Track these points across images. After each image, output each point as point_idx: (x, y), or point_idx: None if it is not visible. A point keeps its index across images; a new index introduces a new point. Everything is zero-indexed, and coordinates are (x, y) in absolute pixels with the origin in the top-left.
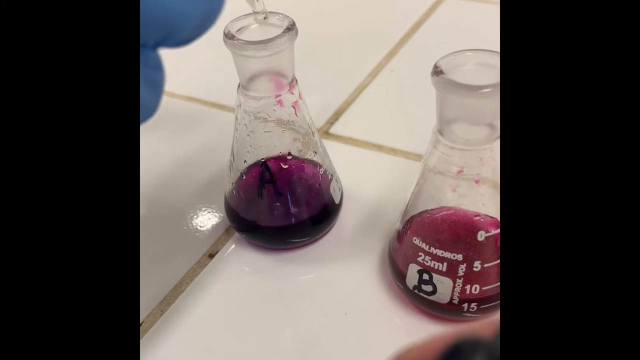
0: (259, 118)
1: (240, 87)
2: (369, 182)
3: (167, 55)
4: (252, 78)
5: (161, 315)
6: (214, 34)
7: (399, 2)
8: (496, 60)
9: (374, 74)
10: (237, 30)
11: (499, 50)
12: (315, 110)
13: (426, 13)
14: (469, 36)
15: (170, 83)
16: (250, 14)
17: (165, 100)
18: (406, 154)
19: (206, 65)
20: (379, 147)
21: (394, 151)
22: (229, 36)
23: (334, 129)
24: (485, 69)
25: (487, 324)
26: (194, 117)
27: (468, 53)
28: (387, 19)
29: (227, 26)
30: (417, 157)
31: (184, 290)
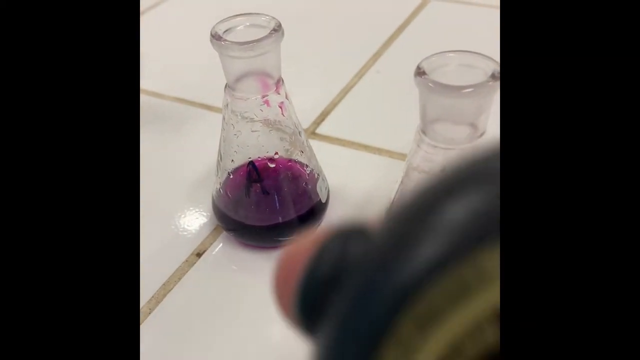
0: (246, 118)
1: (227, 87)
2: (355, 181)
3: (155, 57)
4: (239, 78)
5: (149, 313)
6: (201, 35)
7: (385, 4)
8: (478, 61)
9: (360, 75)
10: (224, 32)
11: (481, 51)
12: (302, 111)
13: (411, 14)
14: (453, 38)
15: (158, 84)
16: (237, 15)
17: (152, 101)
18: (391, 154)
19: (193, 66)
20: (365, 147)
21: (379, 151)
22: (216, 37)
23: (320, 129)
24: (467, 69)
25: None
26: (181, 118)
27: (450, 54)
28: (372, 20)
29: (214, 27)
30: (402, 156)
31: (172, 289)
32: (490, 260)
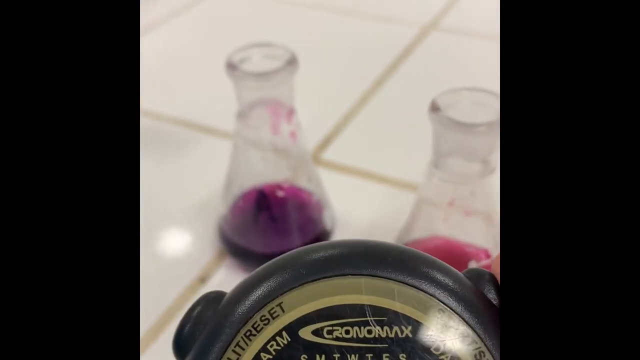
0: (257, 145)
1: (239, 114)
2: (360, 210)
3: (158, 78)
4: (252, 107)
5: (151, 342)
6: (205, 59)
7: (387, 32)
8: (491, 99)
9: (362, 101)
10: (240, 61)
11: (478, 83)
12: (306, 137)
13: (414, 44)
14: (453, 68)
15: (160, 106)
16: (253, 45)
17: (154, 123)
18: (395, 182)
19: (196, 88)
20: (369, 175)
21: (383, 179)
22: (231, 67)
23: (324, 156)
24: (480, 107)
25: None
26: (183, 141)
27: (464, 91)
28: (376, 47)
29: (229, 56)
30: (406, 185)
31: (175, 314)
32: (291, 297)
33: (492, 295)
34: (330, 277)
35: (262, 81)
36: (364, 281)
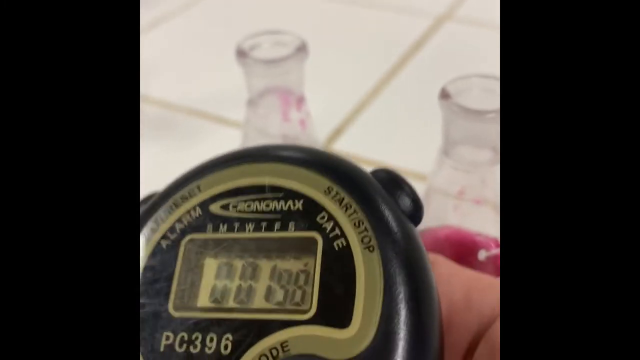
0: (266, 134)
1: (249, 102)
2: None
3: (170, 68)
4: (262, 95)
5: None
6: (217, 48)
7: (401, 22)
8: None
9: (375, 92)
10: (250, 48)
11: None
12: (317, 127)
13: (426, 35)
14: (469, 58)
15: (172, 95)
16: (263, 32)
17: (164, 112)
18: (407, 173)
19: (208, 78)
20: (381, 165)
21: (395, 170)
22: (241, 54)
23: (336, 147)
24: (490, 94)
25: None
26: (197, 130)
27: (474, 79)
28: (388, 38)
29: (239, 44)
30: (418, 176)
31: None
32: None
33: (403, 200)
34: (241, 162)
35: (272, 68)
36: (267, 166)
